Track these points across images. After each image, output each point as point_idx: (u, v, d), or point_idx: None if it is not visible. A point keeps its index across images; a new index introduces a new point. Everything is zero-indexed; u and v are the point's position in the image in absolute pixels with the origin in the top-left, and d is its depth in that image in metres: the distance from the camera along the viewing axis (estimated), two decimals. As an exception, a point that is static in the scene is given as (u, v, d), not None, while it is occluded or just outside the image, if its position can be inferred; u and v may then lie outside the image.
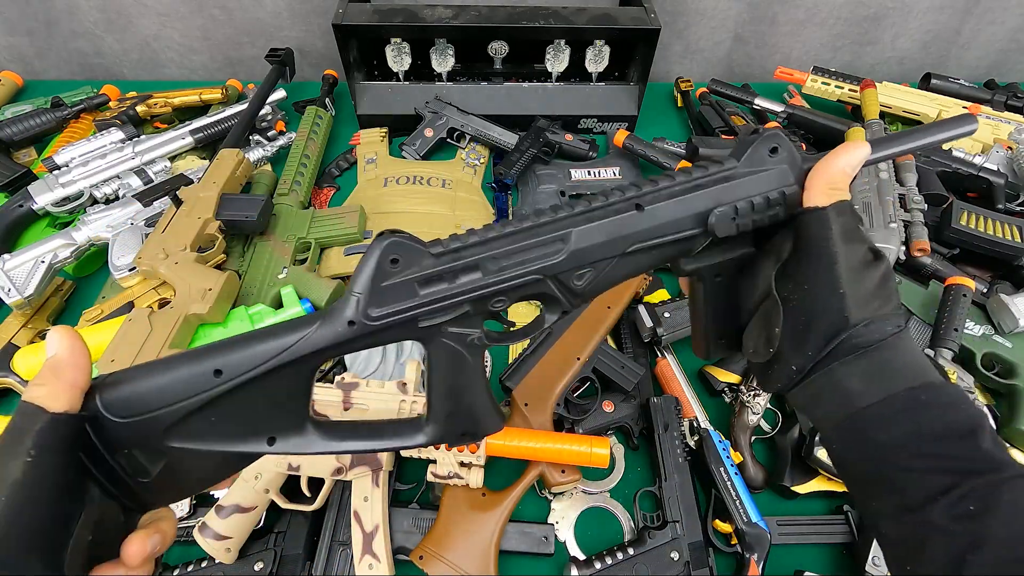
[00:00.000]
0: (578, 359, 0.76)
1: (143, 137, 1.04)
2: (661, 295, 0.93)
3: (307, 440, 0.34)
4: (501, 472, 0.74)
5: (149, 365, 0.30)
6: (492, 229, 0.34)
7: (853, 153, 0.37)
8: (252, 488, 0.65)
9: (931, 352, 0.78)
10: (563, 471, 0.70)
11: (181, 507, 0.69)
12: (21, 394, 0.77)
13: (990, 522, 0.30)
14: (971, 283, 0.80)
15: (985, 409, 0.78)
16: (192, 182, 0.96)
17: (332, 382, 0.69)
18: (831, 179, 0.36)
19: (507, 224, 0.34)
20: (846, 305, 0.34)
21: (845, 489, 0.73)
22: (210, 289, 0.77)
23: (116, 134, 1.03)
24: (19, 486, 0.24)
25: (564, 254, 0.34)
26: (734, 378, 0.83)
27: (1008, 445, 0.77)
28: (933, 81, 1.21)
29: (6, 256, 0.84)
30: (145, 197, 0.93)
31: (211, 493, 0.72)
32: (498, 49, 1.14)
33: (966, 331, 0.81)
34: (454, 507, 0.67)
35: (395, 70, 1.14)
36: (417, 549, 0.65)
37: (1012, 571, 0.29)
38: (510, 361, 0.80)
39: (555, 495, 0.74)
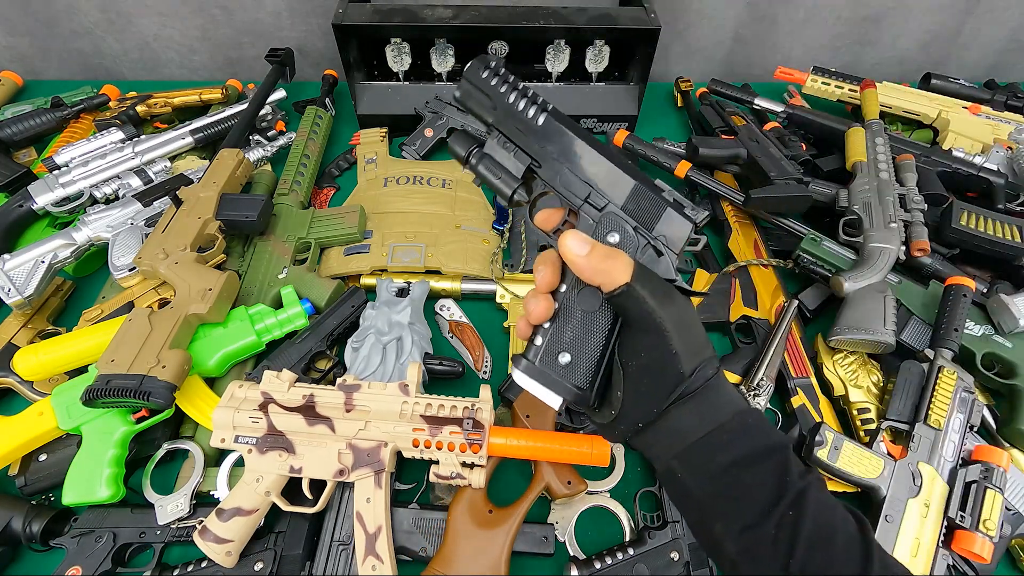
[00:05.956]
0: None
1: (143, 137, 1.04)
2: (661, 295, 0.93)
3: None
4: (507, 486, 0.73)
5: None
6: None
7: (576, 241, 0.40)
8: (253, 490, 0.65)
9: (931, 352, 0.78)
10: (568, 482, 0.69)
11: (181, 507, 0.69)
12: (24, 396, 0.77)
13: (803, 522, 0.37)
14: (971, 283, 0.80)
15: (985, 410, 0.78)
16: (192, 182, 0.96)
17: (334, 384, 0.69)
18: (601, 258, 0.39)
19: None
20: (680, 363, 0.38)
21: (844, 489, 0.73)
22: (210, 289, 0.77)
23: (116, 134, 1.03)
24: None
25: None
26: (733, 378, 0.83)
27: (1008, 445, 0.77)
28: (933, 81, 1.21)
29: (6, 256, 0.84)
30: (145, 197, 0.93)
31: (211, 493, 0.72)
32: (498, 49, 1.14)
33: (966, 331, 0.81)
34: (461, 526, 0.65)
35: (395, 70, 1.14)
36: (427, 570, 0.64)
37: (821, 552, 0.36)
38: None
39: (555, 495, 0.74)
